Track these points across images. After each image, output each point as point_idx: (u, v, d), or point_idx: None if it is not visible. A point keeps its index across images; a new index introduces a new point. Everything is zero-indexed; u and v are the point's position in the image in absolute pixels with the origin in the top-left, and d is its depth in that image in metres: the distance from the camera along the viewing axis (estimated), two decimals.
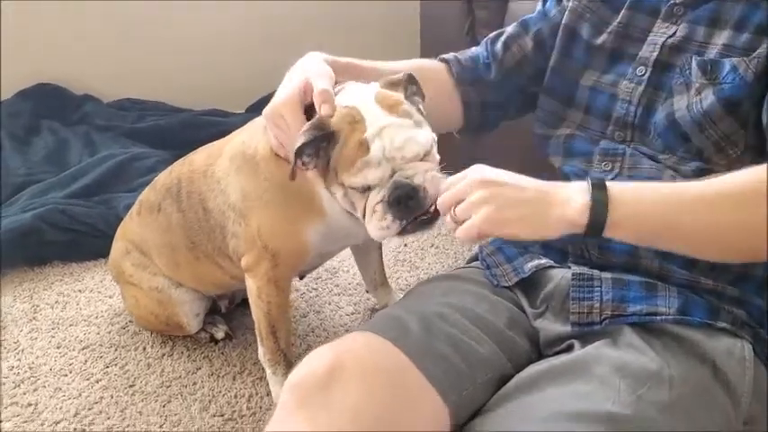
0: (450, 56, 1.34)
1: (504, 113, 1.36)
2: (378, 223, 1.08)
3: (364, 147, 1.05)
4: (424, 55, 1.95)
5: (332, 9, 2.83)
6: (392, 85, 1.13)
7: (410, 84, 1.14)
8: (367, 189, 1.07)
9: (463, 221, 0.94)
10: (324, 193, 1.18)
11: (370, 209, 1.08)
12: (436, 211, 1.06)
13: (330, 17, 2.82)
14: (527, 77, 1.29)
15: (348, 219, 1.20)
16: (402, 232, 1.09)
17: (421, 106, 1.14)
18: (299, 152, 1.07)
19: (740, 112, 1.00)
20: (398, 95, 1.11)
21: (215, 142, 1.38)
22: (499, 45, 1.31)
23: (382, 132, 1.06)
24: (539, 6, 1.31)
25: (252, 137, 1.26)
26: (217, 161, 1.32)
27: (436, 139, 1.11)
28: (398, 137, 1.06)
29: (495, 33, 1.35)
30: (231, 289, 1.48)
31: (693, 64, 1.05)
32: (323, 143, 1.07)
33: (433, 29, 2.20)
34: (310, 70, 1.13)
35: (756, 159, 0.98)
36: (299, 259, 1.30)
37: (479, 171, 0.97)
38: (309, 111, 1.12)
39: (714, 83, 1.02)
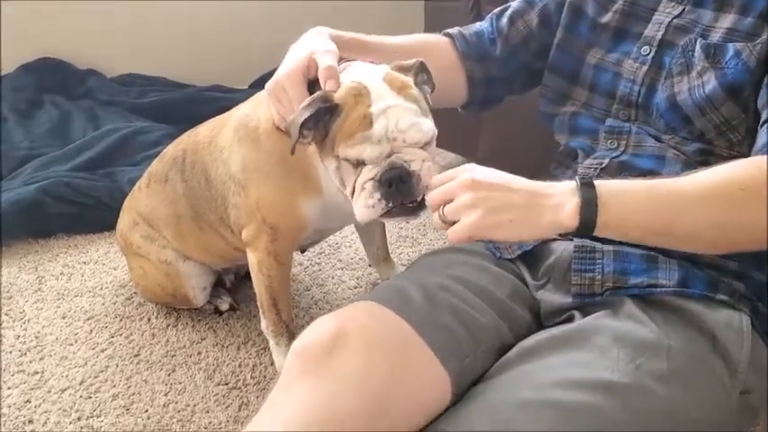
0: (454, 31, 1.34)
1: (508, 89, 1.36)
2: (364, 201, 1.07)
3: (367, 121, 1.05)
4: (428, 29, 1.95)
5: None
6: (402, 69, 1.12)
7: (421, 71, 1.13)
8: (360, 164, 1.06)
9: (452, 222, 0.94)
10: (321, 169, 1.18)
11: (360, 185, 1.07)
12: (423, 200, 1.06)
13: None
14: (532, 54, 1.30)
15: (344, 197, 1.21)
16: (386, 215, 1.08)
17: (428, 96, 1.14)
18: (303, 125, 1.07)
19: (742, 97, 1.01)
20: (408, 79, 1.11)
21: (221, 115, 1.39)
22: (504, 20, 1.31)
23: (388, 111, 1.05)
24: None
25: (255, 109, 1.27)
26: (221, 132, 1.33)
27: (437, 133, 1.10)
28: (403, 120, 1.05)
29: (500, 8, 1.35)
30: (235, 261, 1.49)
31: (697, 47, 1.05)
32: (325, 116, 1.07)
33: (437, 4, 2.19)
34: (315, 46, 1.13)
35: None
36: (298, 234, 1.31)
37: (469, 171, 0.95)
38: (312, 86, 1.12)
39: (716, 66, 1.03)
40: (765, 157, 0.91)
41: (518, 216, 0.91)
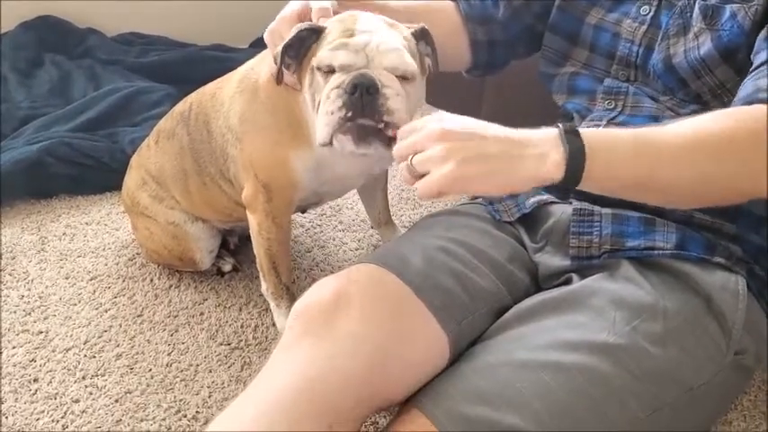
0: None
1: (512, 52, 1.36)
2: (325, 109, 1.02)
3: (349, 33, 1.04)
4: None
5: None
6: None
7: (423, 38, 1.12)
8: (331, 72, 1.04)
9: (421, 175, 0.87)
10: (310, 121, 1.17)
11: (326, 94, 1.03)
12: (385, 136, 1.01)
13: None
14: (534, 15, 1.29)
15: (336, 153, 1.19)
16: (341, 132, 1.03)
17: (426, 65, 1.14)
18: (286, 48, 1.07)
19: (736, 59, 1.00)
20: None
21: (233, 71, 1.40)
22: None
23: (373, 34, 1.04)
24: None
25: (260, 63, 1.28)
26: (226, 85, 1.34)
27: (417, 73, 1.09)
28: (387, 43, 1.03)
29: None
30: (240, 219, 1.49)
31: (696, 8, 1.04)
32: (311, 38, 1.07)
33: None
34: None
35: None
36: (291, 193, 1.29)
37: (439, 120, 0.89)
38: None
39: (712, 28, 1.02)
40: (753, 107, 0.89)
41: (495, 167, 0.85)
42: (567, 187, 0.88)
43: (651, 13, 1.10)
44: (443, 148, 0.85)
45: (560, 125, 0.87)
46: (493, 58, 1.34)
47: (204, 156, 1.39)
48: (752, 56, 0.98)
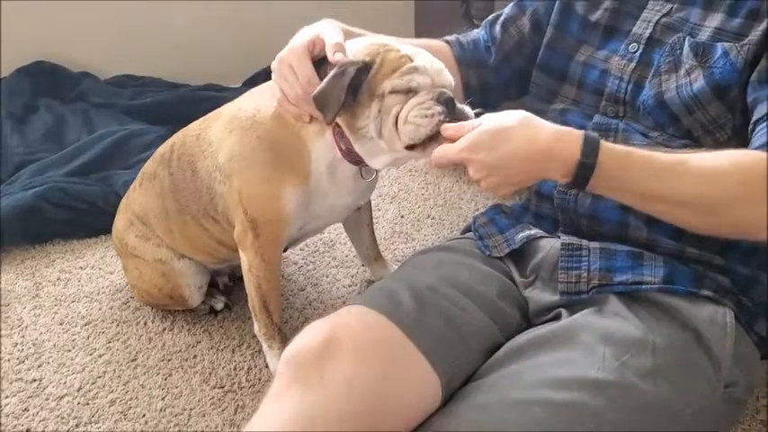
0: (452, 37, 1.36)
1: (504, 95, 1.37)
2: (420, 112, 1.09)
3: (406, 58, 1.11)
4: (418, 28, 1.96)
5: None
6: None
7: None
8: (410, 92, 1.10)
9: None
10: (313, 152, 1.20)
11: (412, 106, 1.09)
12: None
13: None
14: (526, 58, 1.30)
15: (331, 183, 1.23)
16: (422, 144, 1.10)
17: None
18: (350, 86, 1.09)
19: (729, 96, 1.01)
20: None
21: (214, 111, 1.41)
22: (498, 28, 1.32)
23: (420, 54, 1.12)
24: None
25: (250, 101, 1.29)
26: (212, 125, 1.35)
27: None
28: (435, 62, 1.13)
29: (493, 15, 1.36)
30: (222, 258, 1.49)
31: (686, 45, 1.05)
32: (361, 76, 1.10)
33: (427, 3, 2.19)
34: (322, 27, 1.15)
35: (742, 144, 1.00)
36: (278, 228, 1.30)
37: (471, 150, 0.99)
38: (316, 66, 1.14)
39: (704, 65, 1.03)
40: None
41: (519, 183, 1.01)
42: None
43: (640, 51, 1.11)
44: (477, 177, 1.00)
45: (585, 136, 0.95)
46: (485, 102, 1.34)
47: (186, 195, 1.40)
48: (748, 99, 1.00)
